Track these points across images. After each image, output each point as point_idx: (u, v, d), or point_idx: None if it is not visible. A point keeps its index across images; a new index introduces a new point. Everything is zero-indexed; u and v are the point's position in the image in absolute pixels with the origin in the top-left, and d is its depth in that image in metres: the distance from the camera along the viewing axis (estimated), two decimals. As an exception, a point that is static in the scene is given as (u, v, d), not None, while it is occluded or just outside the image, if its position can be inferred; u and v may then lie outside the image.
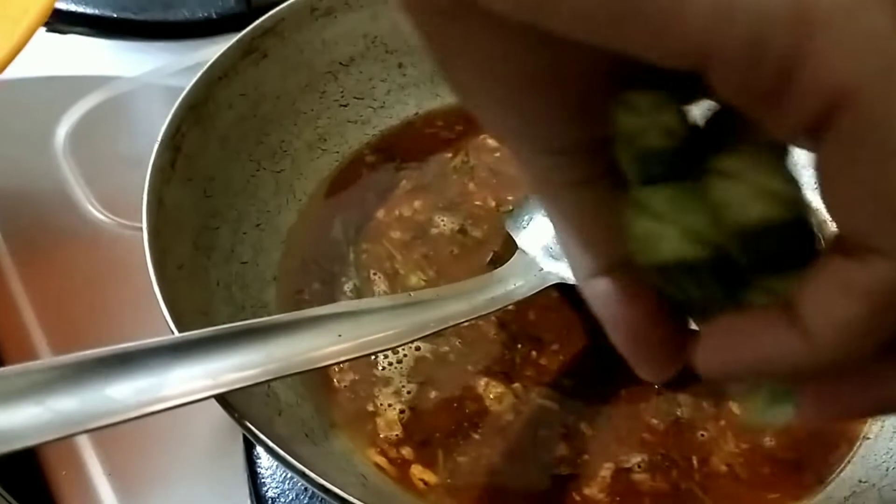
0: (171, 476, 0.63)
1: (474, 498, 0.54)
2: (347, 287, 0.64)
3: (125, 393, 0.42)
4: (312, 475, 0.44)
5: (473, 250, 0.67)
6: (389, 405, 0.58)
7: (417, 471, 0.55)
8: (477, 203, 0.70)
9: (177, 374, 0.44)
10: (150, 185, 0.56)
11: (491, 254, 0.66)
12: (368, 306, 0.52)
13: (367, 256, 0.67)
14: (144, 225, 0.53)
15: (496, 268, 0.61)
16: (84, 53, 0.96)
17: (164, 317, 0.49)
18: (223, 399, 0.46)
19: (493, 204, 0.70)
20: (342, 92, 0.75)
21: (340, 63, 0.74)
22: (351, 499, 0.43)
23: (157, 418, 0.57)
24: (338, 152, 0.73)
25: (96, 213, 0.79)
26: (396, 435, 0.57)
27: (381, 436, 0.57)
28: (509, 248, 0.64)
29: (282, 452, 0.44)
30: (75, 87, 0.90)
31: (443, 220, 0.69)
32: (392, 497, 0.53)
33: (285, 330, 0.48)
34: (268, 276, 0.64)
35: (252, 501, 0.60)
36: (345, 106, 0.75)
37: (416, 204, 0.71)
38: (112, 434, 0.64)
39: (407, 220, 0.69)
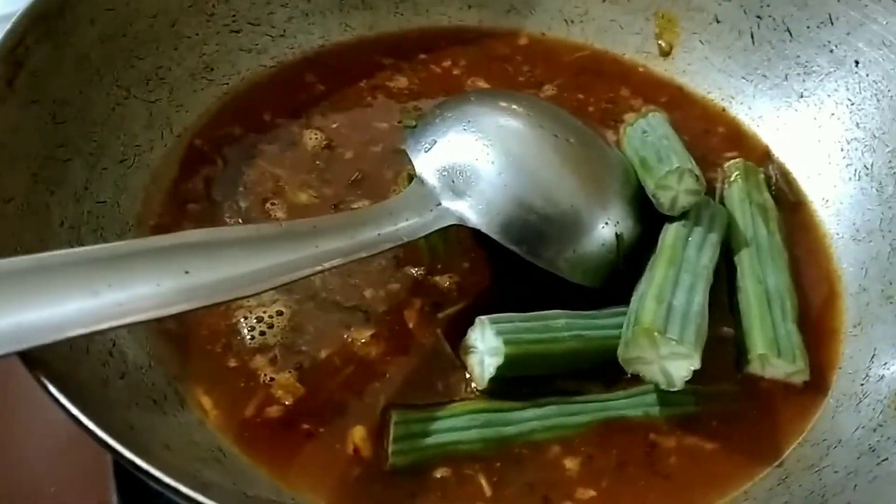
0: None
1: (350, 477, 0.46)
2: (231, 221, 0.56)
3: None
4: (119, 448, 0.35)
5: (375, 177, 0.60)
6: (262, 373, 0.50)
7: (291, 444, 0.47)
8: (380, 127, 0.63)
9: None
10: (-26, 103, 0.47)
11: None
12: (225, 237, 0.43)
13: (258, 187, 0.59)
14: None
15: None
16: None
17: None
18: (26, 354, 0.37)
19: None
20: (234, 15, 0.65)
21: (233, -18, 0.65)
22: (161, 476, 0.35)
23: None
24: (227, 84, 0.64)
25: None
26: (268, 406, 0.48)
27: (250, 408, 0.48)
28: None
29: (83, 419, 0.36)
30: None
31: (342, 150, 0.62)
32: (250, 474, 0.45)
33: (119, 264, 0.40)
34: (130, 220, 0.55)
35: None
36: (237, 32, 0.66)
37: (314, 133, 0.63)
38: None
39: (304, 149, 0.61)
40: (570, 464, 0.47)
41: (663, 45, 0.71)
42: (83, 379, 0.41)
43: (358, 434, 0.47)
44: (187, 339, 0.51)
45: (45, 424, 0.55)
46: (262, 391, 0.49)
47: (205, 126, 0.62)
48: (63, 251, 0.39)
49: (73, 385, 0.39)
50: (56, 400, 0.37)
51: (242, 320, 0.52)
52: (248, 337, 0.51)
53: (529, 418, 0.48)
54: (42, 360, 0.38)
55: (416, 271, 0.55)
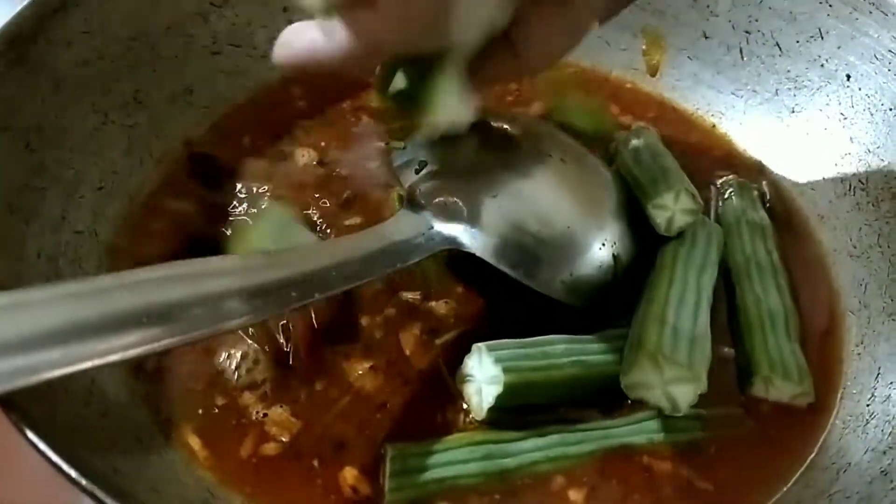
0: None
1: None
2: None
3: None
4: (104, 498, 0.33)
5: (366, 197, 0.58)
6: (253, 410, 0.48)
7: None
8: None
9: None
10: (-56, 131, 0.45)
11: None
12: (210, 268, 0.41)
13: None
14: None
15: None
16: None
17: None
18: (5, 397, 0.35)
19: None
20: (214, 37, 0.63)
21: (212, 3, 0.63)
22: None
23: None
24: (207, 107, 0.62)
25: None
26: (261, 444, 0.46)
27: (241, 446, 0.46)
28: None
29: (65, 466, 0.34)
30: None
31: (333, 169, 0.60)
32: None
33: (99, 300, 0.38)
34: (110, 249, 0.53)
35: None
36: (217, 53, 0.64)
37: (305, 152, 0.61)
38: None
39: (293, 168, 0.60)
40: (575, 495, 0.45)
41: (651, 61, 0.70)
42: (63, 420, 0.39)
43: (350, 475, 0.45)
44: (170, 377, 0.49)
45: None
46: (255, 428, 0.47)
47: (186, 150, 0.60)
48: (42, 287, 0.37)
49: (52, 428, 0.37)
50: (35, 446, 0.35)
51: (225, 356, 0.50)
52: (235, 376, 0.49)
53: (531, 449, 0.46)
54: (18, 402, 0.36)
55: (410, 297, 0.53)
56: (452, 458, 0.45)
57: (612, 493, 0.46)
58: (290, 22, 0.66)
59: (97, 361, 0.35)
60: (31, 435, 0.35)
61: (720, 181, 0.62)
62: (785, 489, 0.46)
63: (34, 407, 0.37)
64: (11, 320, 0.35)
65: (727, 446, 0.48)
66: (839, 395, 0.51)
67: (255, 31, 0.65)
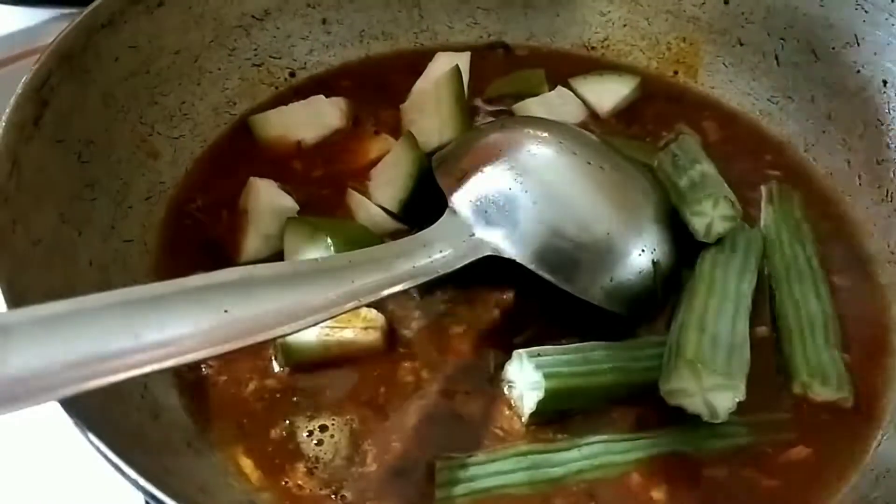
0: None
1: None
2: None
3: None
4: (160, 495, 0.34)
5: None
6: (297, 420, 0.48)
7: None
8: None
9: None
10: (2, 143, 0.46)
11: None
12: (262, 274, 0.42)
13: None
14: (-14, 186, 0.43)
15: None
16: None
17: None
18: (66, 400, 0.36)
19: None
20: (255, 50, 0.65)
21: (253, 16, 0.65)
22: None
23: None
24: (250, 118, 0.64)
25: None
26: (305, 451, 0.47)
27: (286, 454, 0.47)
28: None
29: (124, 466, 0.35)
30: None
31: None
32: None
33: (158, 305, 0.38)
34: (158, 257, 0.54)
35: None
36: (258, 66, 0.65)
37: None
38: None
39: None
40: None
41: (687, 68, 0.71)
42: (118, 423, 0.40)
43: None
44: (215, 386, 0.50)
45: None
46: (299, 435, 0.48)
47: (230, 159, 0.62)
48: (101, 294, 0.38)
49: (110, 429, 0.38)
50: (96, 447, 0.36)
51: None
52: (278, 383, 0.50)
53: (576, 458, 0.46)
54: (80, 404, 0.37)
55: (450, 301, 0.54)
56: (499, 469, 0.45)
57: (663, 497, 0.46)
58: (329, 34, 0.68)
59: (154, 367, 0.36)
60: (91, 436, 0.36)
61: (760, 187, 0.62)
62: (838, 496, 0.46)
63: (92, 409, 0.38)
64: (68, 328, 0.36)
65: (774, 453, 0.48)
66: (880, 401, 0.50)
67: (295, 43, 0.67)
